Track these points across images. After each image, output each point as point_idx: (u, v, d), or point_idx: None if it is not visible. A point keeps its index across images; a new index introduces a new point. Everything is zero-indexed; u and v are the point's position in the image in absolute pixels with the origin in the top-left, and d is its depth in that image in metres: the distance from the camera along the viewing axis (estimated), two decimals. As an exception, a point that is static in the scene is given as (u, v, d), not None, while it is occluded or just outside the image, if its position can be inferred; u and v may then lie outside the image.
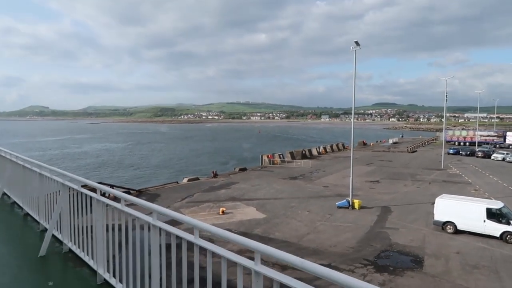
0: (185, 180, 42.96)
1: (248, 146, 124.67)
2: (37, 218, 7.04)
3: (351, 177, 31.54)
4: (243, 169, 52.13)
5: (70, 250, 5.59)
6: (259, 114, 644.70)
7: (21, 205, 8.07)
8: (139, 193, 35.87)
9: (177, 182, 42.00)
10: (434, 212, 24.53)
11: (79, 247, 5.36)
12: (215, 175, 45.68)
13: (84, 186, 5.12)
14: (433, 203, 31.62)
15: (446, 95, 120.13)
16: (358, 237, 23.11)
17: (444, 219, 23.86)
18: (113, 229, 4.42)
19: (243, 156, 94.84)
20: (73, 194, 5.34)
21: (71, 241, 5.59)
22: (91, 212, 4.77)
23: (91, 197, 4.78)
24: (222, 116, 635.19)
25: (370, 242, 22.16)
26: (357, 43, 29.19)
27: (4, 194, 9.23)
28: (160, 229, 3.53)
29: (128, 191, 35.92)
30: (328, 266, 18.60)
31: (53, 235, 5.81)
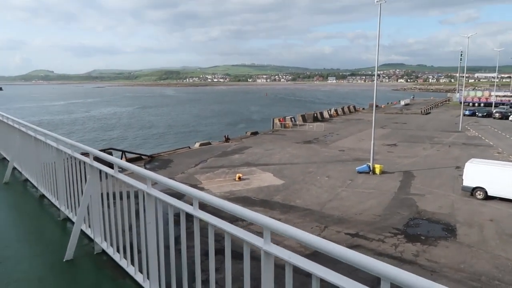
0: (197, 144, 41.99)
1: (256, 108, 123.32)
2: (56, 203, 5.80)
3: (372, 141, 30.25)
4: (254, 133, 50.98)
5: (104, 251, 4.34)
6: (265, 76, 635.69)
7: (35, 184, 6.85)
8: (151, 159, 35.03)
9: (189, 147, 41.06)
10: (463, 177, 23.35)
11: (118, 251, 4.04)
12: (227, 139, 44.61)
13: (122, 171, 3.81)
14: (457, 167, 30.67)
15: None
16: (383, 204, 22.13)
17: (474, 184, 22.69)
18: (177, 239, 3.15)
19: (252, 118, 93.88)
20: (106, 179, 4.07)
21: (105, 240, 4.31)
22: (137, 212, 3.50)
23: (137, 189, 3.46)
24: (227, 79, 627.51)
25: (397, 209, 21.19)
26: (383, -4, 26.88)
27: (15, 169, 7.94)
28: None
29: (139, 157, 35.15)
30: (356, 235, 17.78)
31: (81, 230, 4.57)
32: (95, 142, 55.56)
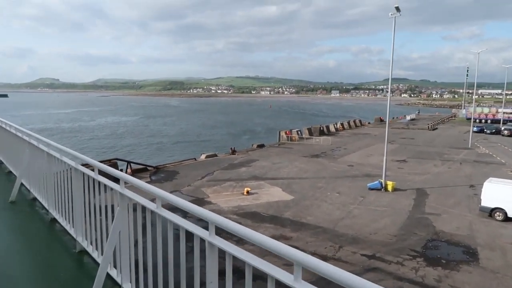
0: (203, 156, 41.33)
1: (261, 120, 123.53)
2: (71, 232, 4.92)
3: (385, 157, 29.48)
4: (260, 146, 50.33)
5: None
6: (268, 88, 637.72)
7: (45, 206, 6.01)
8: (157, 170, 34.35)
9: (195, 159, 40.38)
10: (481, 197, 22.48)
11: None
12: (233, 152, 43.95)
13: (166, 205, 2.97)
14: (471, 186, 29.84)
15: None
16: (398, 223, 21.29)
17: (492, 205, 21.82)
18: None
19: (256, 130, 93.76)
20: (139, 212, 3.24)
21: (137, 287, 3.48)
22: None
23: (176, 226, 2.76)
24: (231, 90, 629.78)
25: (413, 229, 20.34)
26: (397, 8, 26.34)
27: (22, 185, 7.04)
28: None
29: (145, 168, 34.50)
30: (373, 257, 16.93)
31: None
32: (101, 151, 55.03)
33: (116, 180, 3.60)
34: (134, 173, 32.47)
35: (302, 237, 19.15)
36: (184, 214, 2.80)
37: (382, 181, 28.22)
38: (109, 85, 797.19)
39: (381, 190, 27.89)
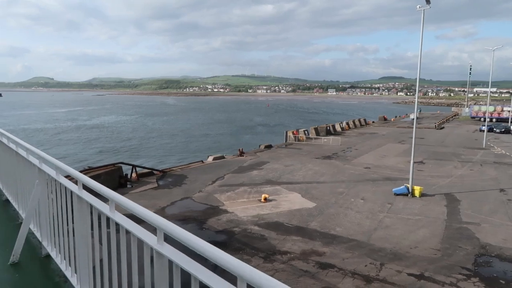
0: (210, 158, 39.23)
1: (260, 119, 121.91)
2: None
3: (412, 160, 27.49)
4: (268, 146, 48.36)
5: None
6: (265, 87, 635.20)
7: (58, 263, 3.74)
8: (164, 174, 32.25)
9: (202, 161, 38.29)
10: (526, 205, 20.65)
11: None
12: (242, 153, 41.90)
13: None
14: (501, 190, 28.03)
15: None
16: (437, 234, 19.37)
17: (539, 214, 20.01)
18: None
19: (258, 128, 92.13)
20: None
21: None
22: None
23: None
24: (228, 89, 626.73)
25: (456, 242, 18.41)
26: (427, 0, 24.43)
27: (31, 233, 4.58)
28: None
29: (151, 172, 32.40)
30: (421, 277, 14.97)
31: None
32: (102, 152, 52.79)
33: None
34: (140, 177, 30.44)
35: (336, 252, 17.17)
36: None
37: (409, 185, 26.31)
38: (104, 84, 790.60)
39: (407, 195, 25.99)
